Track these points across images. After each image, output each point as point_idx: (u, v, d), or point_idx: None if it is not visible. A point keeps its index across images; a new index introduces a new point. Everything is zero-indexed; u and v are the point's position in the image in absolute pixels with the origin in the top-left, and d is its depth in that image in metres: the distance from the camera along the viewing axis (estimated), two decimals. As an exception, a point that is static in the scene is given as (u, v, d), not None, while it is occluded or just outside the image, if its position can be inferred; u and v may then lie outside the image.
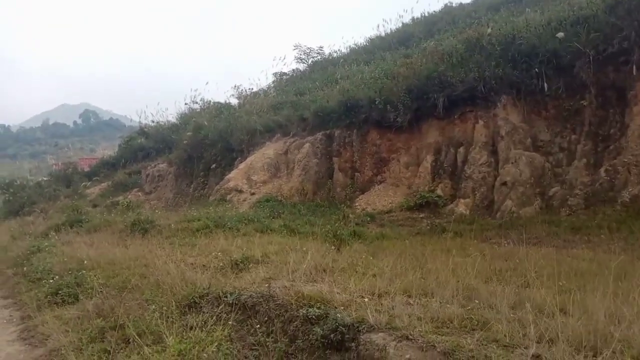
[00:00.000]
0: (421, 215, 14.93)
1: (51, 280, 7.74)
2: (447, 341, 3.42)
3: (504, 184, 14.22)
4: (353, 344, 3.87)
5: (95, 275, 7.39)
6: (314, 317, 4.23)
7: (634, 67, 13.04)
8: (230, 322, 4.61)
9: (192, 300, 5.34)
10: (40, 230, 15.19)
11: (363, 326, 3.92)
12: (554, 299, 4.86)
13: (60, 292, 7.12)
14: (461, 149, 15.76)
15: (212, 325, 4.64)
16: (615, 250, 9.86)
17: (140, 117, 39.66)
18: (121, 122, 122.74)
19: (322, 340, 3.98)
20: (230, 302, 4.94)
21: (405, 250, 9.28)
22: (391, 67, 19.75)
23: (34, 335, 5.85)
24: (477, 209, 14.48)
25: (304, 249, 8.10)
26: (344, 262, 6.65)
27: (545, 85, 14.60)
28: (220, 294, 5.20)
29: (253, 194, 19.11)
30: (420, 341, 3.46)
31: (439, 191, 15.52)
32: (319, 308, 4.31)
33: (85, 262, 8.25)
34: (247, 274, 6.60)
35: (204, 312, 4.99)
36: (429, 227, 13.42)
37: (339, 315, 4.08)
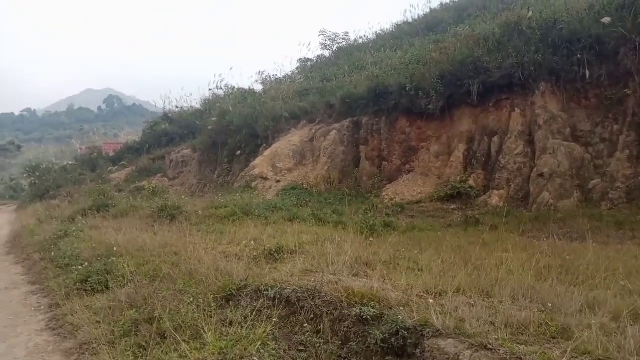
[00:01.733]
0: (452, 207, 14.46)
1: (80, 267, 7.55)
2: (533, 352, 3.04)
3: (541, 175, 13.64)
4: (417, 351, 3.51)
5: (125, 263, 7.17)
6: (369, 317, 3.88)
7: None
8: (274, 319, 4.30)
9: (229, 293, 5.04)
10: (66, 214, 15.15)
11: (427, 330, 3.56)
12: (622, 301, 4.45)
13: (89, 279, 6.91)
14: (495, 139, 15.17)
15: (252, 321, 4.34)
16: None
17: (164, 102, 39.71)
18: (144, 107, 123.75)
19: (382, 344, 3.63)
20: (272, 296, 4.62)
21: (443, 243, 8.89)
22: (422, 52, 19.13)
23: (62, 326, 5.62)
24: (511, 201, 13.94)
25: (339, 239, 7.78)
26: (385, 255, 6.29)
27: (587, 72, 13.91)
28: (260, 286, 4.88)
29: (278, 181, 18.84)
30: (501, 352, 3.08)
31: (471, 182, 15.00)
32: (373, 307, 3.96)
33: (115, 248, 8.04)
34: (282, 265, 6.29)
35: (242, 306, 4.69)
36: (461, 219, 12.96)
37: (399, 316, 3.72)
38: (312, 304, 4.35)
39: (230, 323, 4.40)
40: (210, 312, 4.65)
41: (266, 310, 4.46)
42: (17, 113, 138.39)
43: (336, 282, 4.56)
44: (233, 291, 5.05)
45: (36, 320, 6.31)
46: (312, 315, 4.29)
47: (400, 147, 18.14)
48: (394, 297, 4.12)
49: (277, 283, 4.89)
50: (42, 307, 6.97)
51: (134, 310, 5.07)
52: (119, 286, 6.34)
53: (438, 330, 3.51)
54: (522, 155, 14.33)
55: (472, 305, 3.98)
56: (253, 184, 18.70)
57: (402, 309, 3.91)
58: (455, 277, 4.84)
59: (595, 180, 13.13)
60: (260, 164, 20.16)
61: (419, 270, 5.31)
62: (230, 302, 4.92)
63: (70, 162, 40.81)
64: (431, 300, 3.98)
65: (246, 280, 5.23)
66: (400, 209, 14.62)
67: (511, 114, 15.03)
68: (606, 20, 13.55)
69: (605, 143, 13.67)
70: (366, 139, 18.96)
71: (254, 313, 4.45)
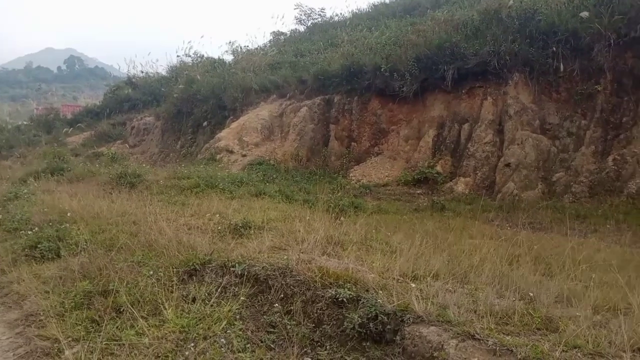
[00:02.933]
0: (419, 191, 14.46)
1: (29, 232, 7.01)
2: (523, 345, 2.89)
3: (508, 165, 13.77)
4: (397, 337, 3.31)
5: (79, 230, 6.72)
6: (344, 299, 3.64)
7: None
8: (241, 297, 4.02)
9: (192, 267, 4.70)
10: (18, 176, 14.27)
11: (408, 316, 3.36)
12: (600, 293, 4.39)
13: (39, 245, 6.39)
14: (466, 126, 15.19)
15: (217, 299, 4.05)
16: (625, 242, 9.57)
17: (128, 66, 38.17)
18: (107, 71, 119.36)
19: (359, 329, 3.41)
20: (239, 272, 4.32)
21: (411, 227, 8.79)
22: (399, 34, 18.87)
23: (7, 294, 5.14)
24: (477, 188, 14.04)
25: (308, 217, 7.53)
26: (356, 236, 6.09)
27: (561, 66, 14.01)
28: (226, 262, 4.58)
29: (244, 155, 18.37)
30: (490, 342, 2.91)
31: (438, 168, 15.01)
32: (349, 289, 3.73)
33: (69, 214, 7.53)
34: (249, 241, 6.00)
35: (207, 282, 4.38)
36: (427, 204, 12.96)
37: (378, 300, 3.50)
38: (283, 282, 4.08)
39: (193, 300, 4.10)
40: (171, 287, 4.33)
41: (232, 287, 4.18)
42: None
43: (309, 261, 4.31)
44: (196, 266, 4.72)
45: (-23, 287, 5.83)
46: (282, 295, 4.03)
47: (371, 128, 18.00)
48: (370, 280, 3.91)
49: (244, 259, 4.60)
50: (-15, 274, 6.46)
51: (87, 281, 4.67)
52: (72, 254, 5.90)
53: (419, 317, 3.33)
54: (491, 144, 14.41)
55: (451, 292, 3.82)
56: (218, 157, 18.18)
57: (380, 292, 3.70)
58: (430, 262, 4.68)
59: (560, 173, 13.33)
60: (226, 136, 19.61)
61: (392, 252, 5.13)
62: (194, 277, 4.60)
63: (25, 122, 38.91)
64: (413, 285, 3.78)
65: (211, 254, 4.91)
66: (367, 191, 14.53)
67: (483, 102, 15.06)
68: (584, 14, 13.63)
69: (572, 137, 13.87)
70: (337, 118, 18.70)
71: (219, 290, 4.16)
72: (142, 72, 36.74)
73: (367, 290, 3.74)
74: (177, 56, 34.34)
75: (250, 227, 6.72)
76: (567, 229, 10.85)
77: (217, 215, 7.37)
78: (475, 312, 3.41)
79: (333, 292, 3.74)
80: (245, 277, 4.27)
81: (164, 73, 34.62)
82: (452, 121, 15.59)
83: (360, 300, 3.59)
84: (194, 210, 8.54)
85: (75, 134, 31.69)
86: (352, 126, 18.40)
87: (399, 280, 4.03)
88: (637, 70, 13.23)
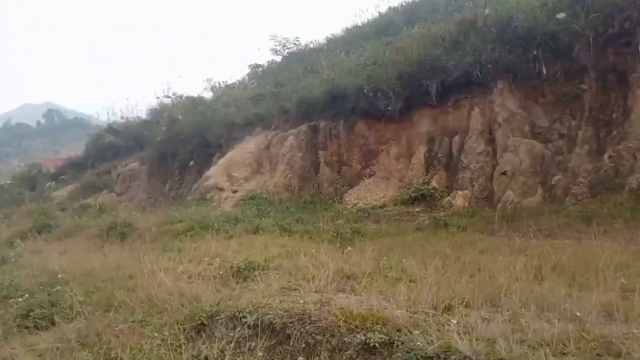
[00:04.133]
0: (417, 209, 14.16)
1: (20, 299, 6.56)
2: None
3: (504, 173, 13.57)
4: (445, 386, 2.97)
5: (72, 291, 6.28)
6: (376, 344, 3.28)
7: (639, 48, 12.50)
8: (258, 352, 3.64)
9: (199, 322, 4.32)
10: (4, 238, 13.76)
11: (453, 358, 3.02)
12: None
13: (31, 313, 5.94)
14: (456, 138, 15.04)
15: (232, 356, 3.67)
16: (637, 241, 9.31)
17: (108, 113, 37.87)
18: (86, 121, 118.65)
19: (398, 380, 3.05)
20: (252, 323, 3.95)
21: (419, 249, 8.47)
22: (377, 53, 18.86)
23: (1, 373, 4.72)
24: (476, 200, 13.79)
25: (312, 250, 7.20)
26: (367, 266, 5.74)
27: (544, 69, 13.98)
28: (236, 313, 4.20)
29: (235, 191, 18.03)
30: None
31: (434, 183, 14.77)
32: (379, 332, 3.37)
33: (59, 275, 7.09)
34: (254, 284, 5.64)
35: (217, 338, 4.00)
36: (428, 222, 12.66)
37: (417, 342, 3.14)
38: (303, 330, 3.71)
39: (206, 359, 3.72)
40: (179, 347, 3.94)
41: (247, 341, 3.81)
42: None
43: (326, 303, 3.95)
44: (203, 319, 4.33)
45: (-33, 367, 5.36)
46: (303, 345, 3.66)
47: (360, 151, 17.80)
48: (400, 317, 3.56)
49: (255, 307, 4.22)
50: (-25, 350, 5.97)
51: (87, 351, 4.25)
52: (67, 320, 5.48)
53: (466, 357, 2.98)
54: (484, 154, 14.24)
55: (490, 321, 3.49)
56: (208, 196, 17.81)
57: (415, 332, 3.34)
58: (454, 288, 4.35)
59: (557, 176, 13.14)
60: (214, 174, 19.27)
61: (410, 281, 4.79)
62: (202, 333, 4.21)
63: (8, 181, 38.16)
64: (454, 320, 3.43)
65: (218, 305, 4.53)
66: (365, 214, 14.21)
67: (470, 113, 14.95)
68: (561, 16, 13.65)
69: (564, 139, 13.74)
70: (325, 144, 18.50)
71: (233, 345, 3.78)
72: (123, 117, 36.52)
73: (398, 331, 3.39)
74: (157, 98, 34.14)
75: (253, 268, 6.36)
76: (575, 232, 10.75)
77: (217, 259, 6.99)
78: (526, 343, 3.09)
79: (362, 338, 3.38)
80: (259, 327, 3.89)
81: (144, 117, 34.43)
82: (441, 135, 15.44)
83: (394, 343, 3.24)
84: (191, 255, 8.17)
85: (60, 188, 31.12)
86: (340, 150, 18.20)
87: (430, 314, 3.68)
88: (620, 65, 13.21)
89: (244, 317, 4.09)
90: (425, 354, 3.10)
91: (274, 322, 3.92)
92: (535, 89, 14.61)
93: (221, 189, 18.10)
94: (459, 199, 13.83)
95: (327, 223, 11.07)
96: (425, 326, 3.44)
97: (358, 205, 15.51)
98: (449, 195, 14.27)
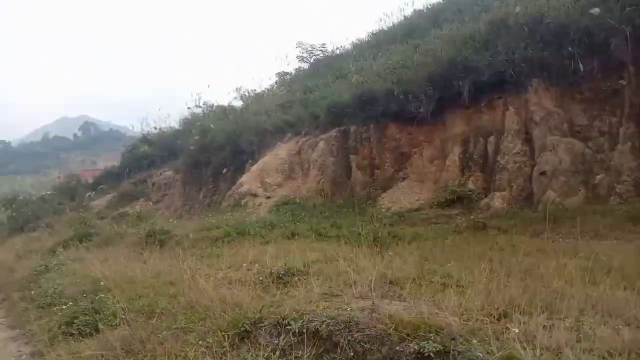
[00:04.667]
0: (454, 212, 13.89)
1: (64, 307, 6.71)
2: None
3: (543, 173, 13.21)
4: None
5: (115, 299, 6.37)
6: (432, 354, 3.17)
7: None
8: (306, 361, 3.58)
9: (242, 329, 4.30)
10: (47, 247, 14.17)
11: (516, 368, 2.88)
12: None
13: (75, 321, 6.06)
14: (491, 139, 14.73)
15: (278, 364, 3.62)
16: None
17: (142, 124, 38.71)
18: (121, 132, 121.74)
19: (459, 392, 2.93)
20: (296, 330, 3.90)
21: (459, 252, 8.28)
22: (406, 56, 18.68)
23: (48, 380, 4.80)
24: (514, 201, 13.46)
25: (351, 255, 7.11)
26: (409, 270, 5.62)
27: (580, 65, 13.57)
28: (279, 319, 4.16)
29: (269, 197, 18.11)
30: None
31: (470, 185, 14.49)
32: (434, 340, 3.26)
33: (102, 282, 7.21)
34: (295, 289, 5.59)
35: (262, 345, 3.95)
36: (466, 224, 12.41)
37: (478, 352, 3.02)
38: (350, 338, 3.62)
39: (251, 368, 3.68)
40: (224, 354, 3.92)
41: (292, 349, 3.75)
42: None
43: (373, 309, 3.87)
44: (247, 326, 4.29)
45: (17, 373, 5.50)
46: (352, 354, 3.56)
47: (392, 154, 17.63)
48: (454, 325, 3.44)
49: (299, 314, 4.17)
50: (24, 357, 6.12)
51: (132, 358, 4.29)
52: (110, 327, 5.55)
53: (531, 368, 2.84)
54: (521, 154, 13.90)
55: (552, 329, 3.33)
56: (242, 202, 17.95)
57: (473, 341, 3.22)
58: (506, 293, 4.19)
59: (600, 175, 12.73)
60: (248, 180, 19.43)
61: (457, 286, 4.65)
62: (246, 340, 4.17)
63: (49, 192, 39.33)
64: (515, 329, 3.29)
65: (260, 312, 4.50)
66: (400, 218, 14.03)
67: (505, 112, 14.63)
68: (595, 11, 13.29)
69: (604, 136, 13.32)
70: (356, 148, 18.41)
71: (277, 353, 3.74)
72: (156, 128, 37.23)
73: (453, 339, 3.26)
74: (188, 108, 34.69)
75: (293, 274, 6.32)
76: (622, 232, 10.33)
77: (256, 265, 6.99)
78: (594, 353, 2.93)
79: (416, 347, 3.26)
80: (305, 335, 3.83)
81: (177, 127, 35.01)
82: (476, 136, 15.14)
83: (450, 353, 3.11)
84: (229, 261, 8.19)
85: (99, 198, 31.94)
86: (372, 154, 18.07)
87: (487, 322, 3.54)
88: (662, 58, 12.74)
89: (289, 324, 4.03)
90: (487, 363, 2.97)
91: (319, 329, 3.84)
92: (572, 86, 14.21)
93: (255, 195, 18.22)
94: (497, 201, 13.52)
95: (362, 227, 10.96)
96: (483, 335, 3.30)
97: (392, 208, 15.34)
98: (486, 196, 13.97)
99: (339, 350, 3.64)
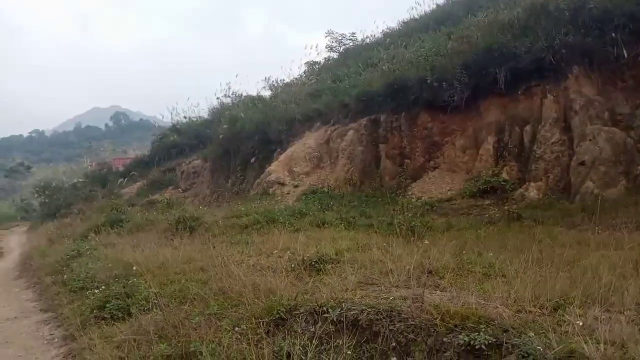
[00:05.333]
0: (487, 202, 13.51)
1: (96, 291, 6.71)
2: None
3: (582, 163, 12.69)
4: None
5: (146, 283, 6.33)
6: (483, 346, 2.97)
7: None
8: (345, 350, 3.41)
9: (277, 316, 4.17)
10: (79, 232, 14.38)
11: (579, 364, 2.67)
12: None
13: (108, 305, 6.05)
14: (528, 128, 14.22)
15: (316, 353, 3.47)
16: None
17: (171, 114, 38.97)
18: (151, 122, 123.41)
19: (515, 388, 2.72)
20: (334, 319, 3.74)
21: (496, 243, 8.00)
22: (439, 44, 18.22)
23: (80, 363, 4.77)
24: (551, 192, 12.98)
25: (384, 244, 6.92)
26: (447, 260, 5.40)
27: (624, 52, 12.96)
28: (316, 307, 4.01)
29: (297, 186, 18.00)
30: None
31: (504, 175, 14.05)
32: (485, 332, 3.06)
33: (134, 267, 7.19)
34: (328, 277, 5.44)
35: (297, 333, 3.81)
36: (500, 215, 12.05)
37: (537, 346, 2.80)
38: (392, 328, 3.44)
39: (288, 356, 3.54)
40: (259, 341, 3.80)
41: (330, 338, 3.59)
42: (25, 135, 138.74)
43: (416, 298, 3.67)
44: (282, 313, 4.16)
45: (49, 356, 5.50)
46: (394, 344, 3.39)
47: (423, 143, 17.25)
48: (505, 317, 3.22)
49: (337, 302, 4.00)
50: (56, 340, 6.14)
51: (165, 343, 4.18)
52: (142, 311, 5.51)
53: (595, 364, 2.62)
54: (559, 143, 13.38)
55: (611, 323, 3.09)
56: (270, 190, 17.89)
57: (530, 333, 3.00)
58: (554, 285, 3.94)
59: (643, 165, 12.16)
60: (276, 169, 19.36)
61: (502, 276, 4.41)
62: (281, 327, 4.04)
63: (80, 180, 40.19)
64: (579, 322, 3.06)
65: (295, 298, 4.35)
66: (430, 208, 13.72)
67: (543, 100, 14.10)
68: (642, -5, 12.61)
69: (647, 125, 12.71)
70: (386, 137, 18.08)
71: (315, 341, 3.58)
72: (185, 117, 37.47)
73: (505, 331, 3.05)
74: (217, 98, 34.74)
75: (325, 262, 6.17)
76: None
77: (287, 252, 6.86)
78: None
79: (465, 338, 3.06)
80: (343, 323, 3.67)
81: (206, 116, 35.18)
82: (511, 125, 14.66)
83: (503, 346, 2.90)
84: (259, 248, 8.11)
85: (129, 185, 32.43)
86: (402, 143, 17.73)
87: (539, 314, 3.31)
88: None
89: (326, 312, 3.87)
90: (546, 359, 2.74)
91: (359, 318, 3.67)
92: (614, 73, 13.61)
93: (283, 184, 18.14)
94: (533, 191, 13.08)
95: (393, 216, 10.74)
96: (537, 327, 3.07)
97: (423, 198, 15.02)
98: (521, 187, 13.52)
99: (380, 340, 3.46)
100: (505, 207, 12.63)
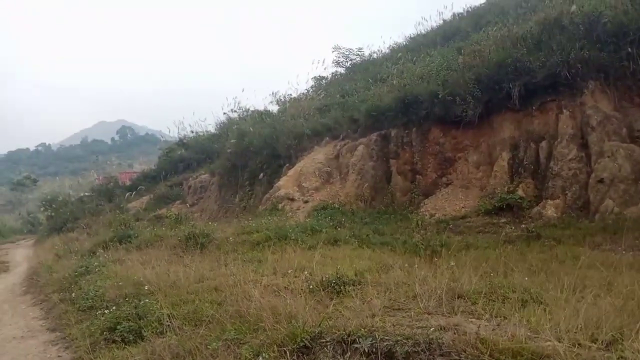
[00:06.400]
0: (503, 220, 13.20)
1: (106, 311, 6.46)
2: None
3: (601, 181, 12.41)
4: None
5: (158, 304, 6.07)
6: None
7: None
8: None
9: (301, 344, 3.90)
10: (86, 248, 14.15)
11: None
12: None
13: (118, 326, 5.78)
14: (543, 144, 13.97)
15: (347, 388, 3.20)
16: None
17: (178, 128, 38.97)
18: (157, 136, 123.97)
19: None
20: (365, 349, 3.47)
21: (518, 264, 7.70)
22: (450, 58, 18.06)
23: (92, 393, 4.50)
24: (569, 210, 12.68)
25: (406, 265, 6.64)
26: (477, 283, 5.13)
27: (640, 67, 12.76)
28: (344, 335, 3.74)
29: (306, 201, 17.75)
30: None
31: (520, 192, 13.75)
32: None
33: (146, 287, 6.94)
34: (349, 300, 5.17)
35: (325, 364, 3.55)
36: (517, 234, 11.77)
37: None
38: (432, 363, 3.18)
39: (317, 390, 3.28)
40: (284, 372, 3.53)
41: (362, 371, 3.33)
42: (32, 148, 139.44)
43: (457, 329, 3.40)
44: (306, 341, 3.90)
45: (57, 382, 5.25)
46: (434, 382, 3.12)
47: (435, 158, 17.02)
48: (562, 353, 2.95)
49: (368, 330, 3.73)
50: (64, 362, 5.89)
51: (182, 372, 3.95)
52: (155, 334, 5.25)
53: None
54: (576, 160, 13.12)
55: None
56: (280, 206, 17.64)
57: None
58: (595, 312, 3.67)
59: (664, 183, 11.86)
60: (285, 184, 19.12)
61: (540, 303, 4.14)
62: (306, 357, 3.77)
63: (87, 193, 40.05)
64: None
65: (320, 325, 4.09)
66: (444, 226, 13.42)
67: (559, 116, 13.87)
68: (658, 9, 12.44)
69: (667, 142, 12.45)
70: (396, 153, 17.87)
71: (345, 375, 3.32)
72: (192, 132, 37.42)
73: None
74: (224, 113, 34.68)
75: (345, 283, 5.90)
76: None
77: (305, 272, 6.59)
78: None
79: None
80: (377, 356, 3.39)
81: (213, 130, 35.09)
82: (526, 141, 14.40)
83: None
84: (273, 267, 7.83)
85: (136, 199, 32.23)
86: (414, 159, 17.51)
87: (597, 349, 3.03)
88: None
89: (355, 341, 3.60)
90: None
91: (392, 349, 3.39)
92: (631, 89, 13.43)
93: (292, 199, 17.89)
94: (550, 209, 12.77)
95: (408, 235, 10.48)
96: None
97: (436, 215, 14.75)
98: (537, 204, 13.22)
99: (419, 378, 3.19)
100: (523, 226, 12.38)
